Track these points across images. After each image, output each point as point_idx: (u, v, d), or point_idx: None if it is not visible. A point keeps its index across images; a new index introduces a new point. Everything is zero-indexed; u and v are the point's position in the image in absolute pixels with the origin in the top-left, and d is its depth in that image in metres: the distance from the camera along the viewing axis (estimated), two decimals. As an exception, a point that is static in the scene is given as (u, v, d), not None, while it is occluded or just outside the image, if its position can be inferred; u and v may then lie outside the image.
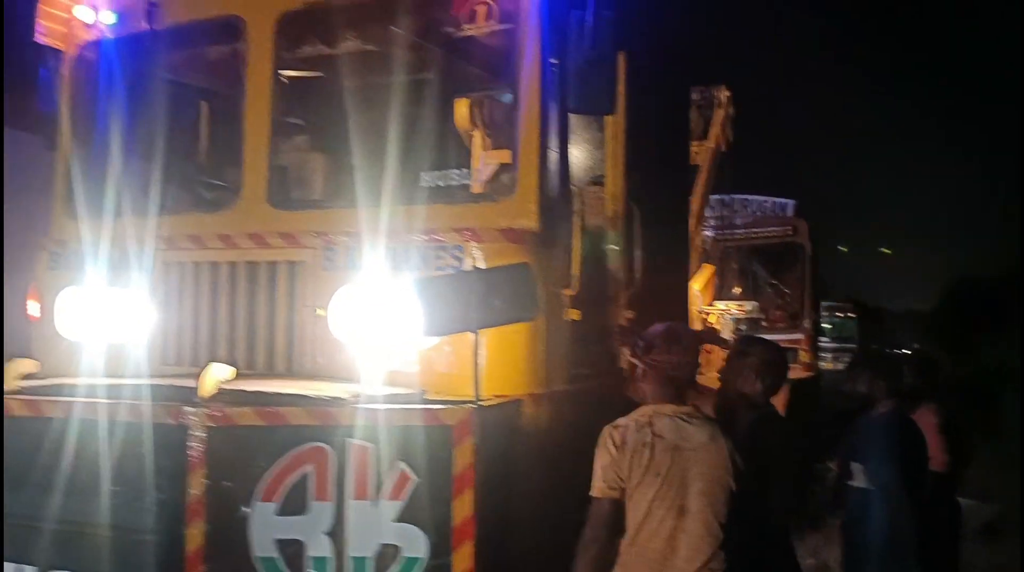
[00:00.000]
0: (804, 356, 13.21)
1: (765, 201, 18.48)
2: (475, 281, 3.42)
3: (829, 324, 18.15)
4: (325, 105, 5.15)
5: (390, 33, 4.75)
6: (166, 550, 3.47)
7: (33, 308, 5.03)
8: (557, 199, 4.26)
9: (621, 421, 3.32)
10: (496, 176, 4.71)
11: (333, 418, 3.45)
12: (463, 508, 3.37)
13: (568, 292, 4.26)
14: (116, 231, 4.79)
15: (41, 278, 5.01)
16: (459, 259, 4.01)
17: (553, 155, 4.22)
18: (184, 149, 5.43)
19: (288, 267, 4.38)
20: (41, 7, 5.14)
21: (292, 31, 4.69)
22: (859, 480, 4.64)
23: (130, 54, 5.13)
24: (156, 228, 4.68)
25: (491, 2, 4.21)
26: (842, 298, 19.96)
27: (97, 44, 5.18)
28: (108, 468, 3.60)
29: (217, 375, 3.67)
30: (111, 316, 4.60)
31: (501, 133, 5.04)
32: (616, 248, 4.92)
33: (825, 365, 15.26)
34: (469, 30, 4.34)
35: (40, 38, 5.20)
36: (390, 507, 3.40)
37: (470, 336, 3.67)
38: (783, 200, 18.15)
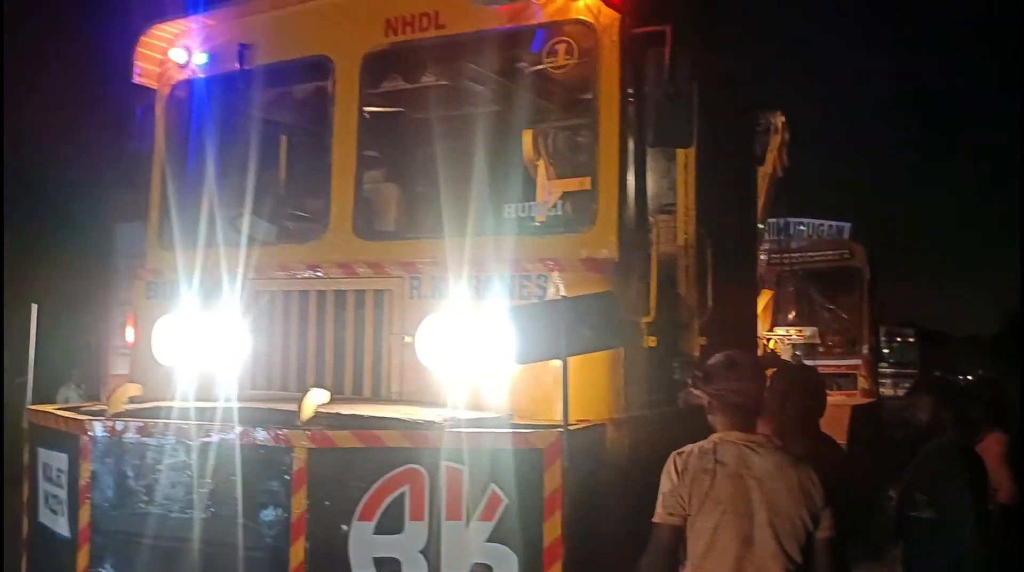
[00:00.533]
0: (862, 382, 13.01)
1: (821, 224, 18.32)
2: (564, 310, 3.55)
3: (889, 349, 17.88)
4: (406, 139, 5.37)
5: (470, 70, 4.95)
6: (271, 565, 3.65)
7: (130, 335, 5.29)
8: (634, 230, 4.40)
9: (686, 448, 3.29)
10: (563, 206, 4.86)
11: (428, 441, 3.60)
12: (553, 529, 3.49)
13: (646, 320, 4.37)
14: (208, 261, 5.04)
15: (138, 306, 5.28)
16: (543, 289, 4.15)
17: (631, 187, 4.36)
18: (270, 183, 5.67)
19: (375, 295, 4.57)
20: (139, 50, 5.46)
21: (376, 69, 4.92)
22: (923, 511, 4.51)
23: (220, 92, 5.41)
24: (247, 258, 4.91)
25: (571, 40, 4.37)
26: (902, 322, 19.61)
27: (189, 83, 5.48)
28: (214, 487, 3.79)
29: (315, 399, 3.85)
30: (204, 342, 4.82)
31: (565, 163, 5.22)
32: (688, 276, 5.02)
33: (885, 391, 15.07)
34: (548, 66, 4.51)
35: (137, 79, 5.51)
36: (482, 528, 3.53)
37: (552, 362, 3.81)
38: (839, 223, 17.99)
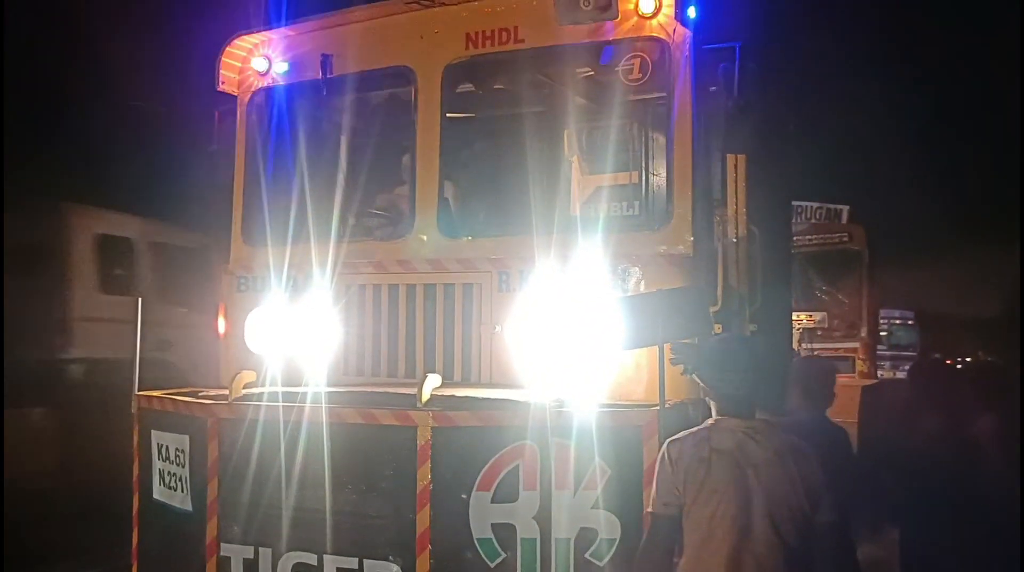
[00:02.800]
0: (860, 365, 13.38)
1: (819, 207, 18.39)
2: (661, 301, 3.98)
3: (889, 332, 18.22)
4: (485, 143, 5.78)
5: (546, 80, 5.36)
6: (398, 532, 4.09)
7: (222, 326, 5.68)
8: (703, 227, 4.84)
9: (679, 435, 3.32)
10: (640, 206, 5.30)
11: (540, 420, 4.03)
12: (651, 496, 3.93)
13: (714, 309, 4.82)
14: (293, 257, 5.42)
15: (229, 299, 5.66)
16: (625, 282, 4.59)
17: (700, 189, 4.79)
18: (347, 184, 6.05)
19: (464, 289, 4.98)
20: (222, 59, 5.82)
21: (457, 79, 5.32)
22: (914, 492, 4.62)
23: (299, 98, 5.79)
24: (332, 255, 5.30)
25: (646, 55, 4.78)
26: (902, 305, 19.94)
27: (269, 90, 5.84)
28: (341, 463, 4.22)
29: (431, 384, 4.29)
30: (297, 333, 5.21)
31: (600, 160, 5.63)
32: (739, 268, 5.48)
33: (884, 373, 15.41)
34: (624, 78, 4.90)
35: (221, 87, 5.88)
36: (588, 496, 3.97)
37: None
38: (837, 206, 18.15)
